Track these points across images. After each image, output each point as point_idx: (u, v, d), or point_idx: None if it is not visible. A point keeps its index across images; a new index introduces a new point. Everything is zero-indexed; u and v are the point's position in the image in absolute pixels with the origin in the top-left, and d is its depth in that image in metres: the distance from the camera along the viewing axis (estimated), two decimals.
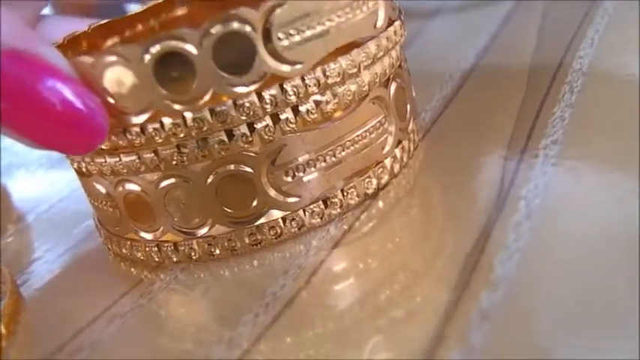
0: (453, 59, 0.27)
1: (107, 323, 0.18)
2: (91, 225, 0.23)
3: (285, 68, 0.17)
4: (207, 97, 0.17)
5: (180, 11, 0.24)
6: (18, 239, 0.25)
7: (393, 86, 0.20)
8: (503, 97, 0.23)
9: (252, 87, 0.17)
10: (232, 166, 0.18)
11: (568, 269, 0.15)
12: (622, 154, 0.18)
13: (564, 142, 0.19)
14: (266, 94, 0.17)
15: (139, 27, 0.24)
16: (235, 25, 0.16)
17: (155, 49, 0.16)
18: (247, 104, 0.17)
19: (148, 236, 0.19)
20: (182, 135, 0.17)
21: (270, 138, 0.17)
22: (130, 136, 0.17)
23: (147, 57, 0.16)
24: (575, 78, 0.22)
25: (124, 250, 0.20)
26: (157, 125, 0.17)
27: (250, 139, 0.17)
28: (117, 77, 0.17)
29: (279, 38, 0.17)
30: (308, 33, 0.17)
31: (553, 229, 0.16)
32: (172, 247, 0.19)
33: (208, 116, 0.17)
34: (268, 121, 0.17)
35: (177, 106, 0.17)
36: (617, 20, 0.27)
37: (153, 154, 0.18)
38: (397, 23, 0.20)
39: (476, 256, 0.16)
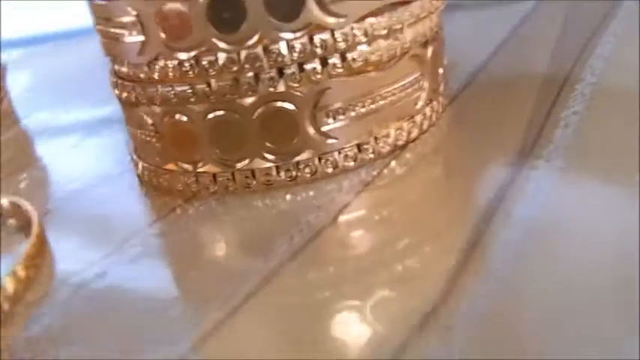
0: (470, 52, 0.28)
1: (132, 249, 0.19)
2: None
3: (330, 20, 0.18)
4: (254, 39, 0.18)
5: None
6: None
7: (430, 48, 0.21)
8: (520, 87, 0.24)
9: (298, 34, 0.18)
10: (279, 103, 0.19)
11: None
12: (624, 169, 0.18)
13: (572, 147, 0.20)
14: (317, 39, 0.18)
15: None
16: None
17: None
18: (299, 46, 0.18)
19: (188, 167, 0.20)
20: (235, 69, 0.18)
21: (317, 80, 0.19)
22: (184, 68, 0.19)
23: None
24: (587, 83, 0.23)
25: (161, 181, 0.21)
26: (213, 58, 0.18)
27: (298, 78, 0.19)
28: (174, 14, 0.18)
29: None
30: None
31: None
32: (211, 178, 0.20)
33: (262, 54, 0.18)
34: (316, 63, 0.19)
35: (223, 45, 0.18)
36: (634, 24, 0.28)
37: (205, 85, 0.19)
38: None
39: (494, 205, 0.17)
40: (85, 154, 0.27)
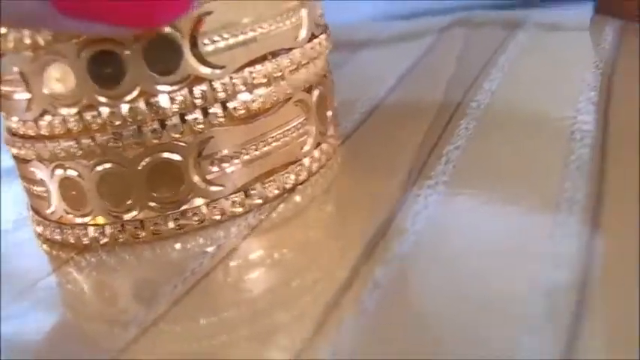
0: (373, 85, 0.29)
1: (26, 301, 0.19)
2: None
3: (208, 71, 0.19)
4: (135, 94, 0.19)
5: None
6: None
7: (316, 92, 0.22)
8: (412, 123, 0.25)
9: (177, 86, 0.19)
10: (164, 154, 0.19)
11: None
12: (505, 190, 0.20)
13: (453, 175, 0.21)
14: (196, 90, 0.19)
15: None
16: (165, 29, 0.18)
17: (90, 48, 0.18)
18: (180, 97, 0.19)
19: (79, 220, 0.21)
20: (118, 123, 0.19)
21: (199, 130, 0.19)
22: (68, 124, 0.19)
23: (82, 54, 0.18)
24: (474, 113, 0.24)
25: (55, 235, 0.21)
26: (96, 113, 0.19)
27: (181, 129, 0.19)
28: (55, 71, 0.19)
29: (204, 44, 0.19)
30: (231, 41, 0.19)
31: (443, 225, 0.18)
32: (101, 230, 0.20)
33: (143, 107, 0.19)
34: (198, 114, 0.19)
35: (105, 100, 0.19)
36: (528, 53, 0.29)
37: (90, 140, 0.19)
38: (323, 36, 0.22)
39: (376, 241, 0.18)
40: None
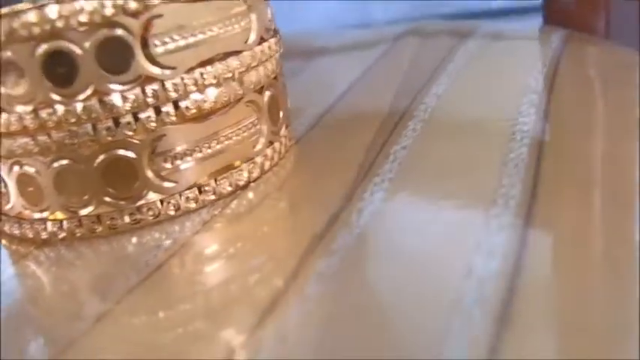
0: (327, 91, 0.30)
1: None
2: None
3: (159, 71, 0.20)
4: (88, 92, 0.19)
5: None
6: None
7: (267, 94, 0.23)
8: (362, 125, 0.26)
9: (129, 86, 0.19)
10: (118, 151, 0.20)
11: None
12: (445, 191, 0.20)
13: (399, 173, 0.22)
14: (149, 89, 0.20)
15: None
16: (117, 31, 0.19)
17: (43, 47, 0.19)
18: (132, 96, 0.19)
19: (37, 215, 0.21)
20: (73, 120, 0.19)
21: (152, 128, 0.20)
22: (24, 121, 0.20)
23: (37, 54, 0.19)
24: (421, 115, 0.26)
25: (14, 230, 0.22)
26: (50, 111, 0.19)
27: (134, 127, 0.20)
28: (9, 69, 0.19)
29: (155, 45, 0.19)
30: (181, 43, 0.20)
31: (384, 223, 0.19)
32: (59, 225, 0.21)
33: (97, 105, 0.19)
34: (151, 112, 0.20)
35: (59, 98, 0.19)
36: (476, 61, 0.30)
37: (46, 137, 0.20)
38: (273, 40, 0.23)
39: (323, 234, 0.19)
40: None
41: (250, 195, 0.22)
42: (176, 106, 0.20)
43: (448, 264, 0.17)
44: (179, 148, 0.20)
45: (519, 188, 0.19)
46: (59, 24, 0.19)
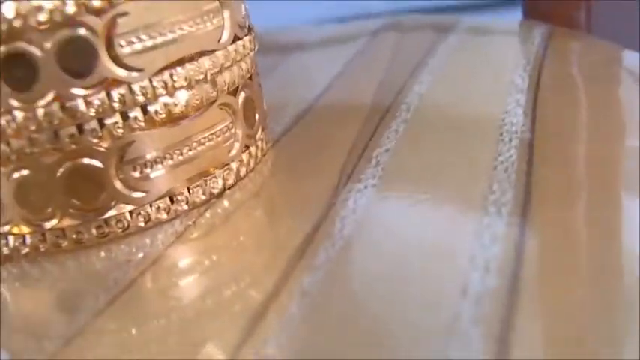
0: (304, 89, 0.29)
1: None
2: None
3: (125, 74, 0.18)
4: (49, 97, 0.18)
5: None
6: None
7: (241, 95, 0.21)
8: (343, 126, 0.25)
9: (93, 90, 0.18)
10: (82, 160, 0.19)
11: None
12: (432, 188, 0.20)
13: (382, 178, 0.21)
14: (115, 93, 0.18)
15: None
16: (79, 31, 0.18)
17: (0, 49, 0.17)
18: (97, 101, 0.18)
19: None
20: (33, 127, 0.18)
21: (119, 134, 0.19)
22: None
23: None
24: (404, 115, 0.25)
25: None
26: (9, 117, 0.18)
27: (100, 134, 0.18)
28: None
29: (120, 46, 0.18)
30: (149, 43, 0.19)
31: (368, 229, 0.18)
32: (22, 240, 0.20)
33: (59, 111, 0.18)
34: (117, 118, 0.18)
35: (18, 103, 0.18)
36: (457, 56, 0.29)
37: (5, 146, 0.18)
38: (247, 38, 0.21)
39: (304, 248, 0.18)
40: None
41: (225, 203, 0.21)
42: (144, 111, 0.19)
43: (441, 281, 0.16)
44: (149, 156, 0.19)
45: (511, 195, 0.19)
46: (17, 23, 0.17)
